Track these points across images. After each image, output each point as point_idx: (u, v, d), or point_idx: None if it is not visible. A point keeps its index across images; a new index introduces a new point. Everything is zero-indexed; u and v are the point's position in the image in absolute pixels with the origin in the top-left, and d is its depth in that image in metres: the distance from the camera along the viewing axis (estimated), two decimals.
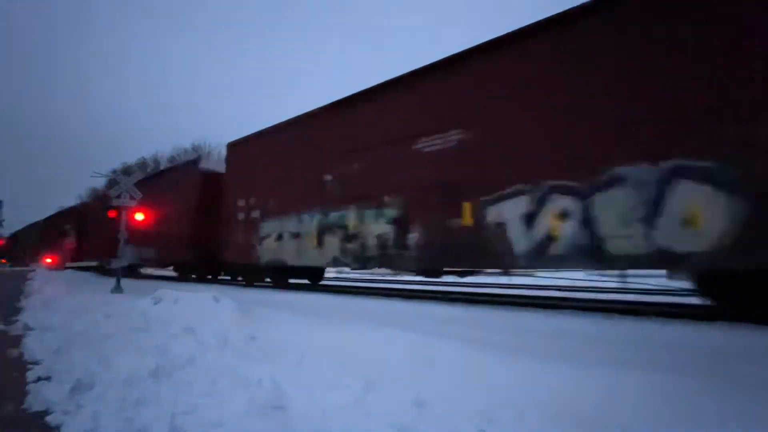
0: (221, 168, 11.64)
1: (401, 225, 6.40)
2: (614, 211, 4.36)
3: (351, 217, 7.20)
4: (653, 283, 7.87)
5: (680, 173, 4.01)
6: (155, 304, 4.64)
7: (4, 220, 37.02)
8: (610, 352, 2.83)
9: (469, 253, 5.64)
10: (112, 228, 15.26)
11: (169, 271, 20.56)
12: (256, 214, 9.38)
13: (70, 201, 37.24)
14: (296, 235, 8.27)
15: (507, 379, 2.23)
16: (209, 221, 10.94)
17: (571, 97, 4.86)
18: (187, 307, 4.35)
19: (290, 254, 8.43)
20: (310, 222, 8.00)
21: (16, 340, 4.03)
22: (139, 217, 9.90)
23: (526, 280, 8.81)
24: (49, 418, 2.12)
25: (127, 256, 9.18)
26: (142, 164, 46.97)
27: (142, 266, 17.58)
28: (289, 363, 2.59)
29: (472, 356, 2.60)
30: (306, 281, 10.23)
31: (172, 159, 43.89)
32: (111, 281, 8.89)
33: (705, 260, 3.95)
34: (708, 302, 4.90)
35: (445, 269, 6.45)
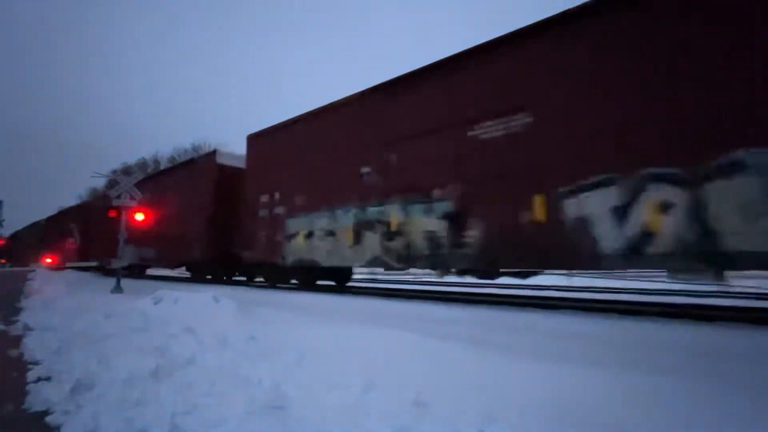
0: (238, 162, 11.00)
1: (456, 221, 5.68)
2: (734, 202, 3.71)
3: (394, 213, 6.54)
4: (653, 284, 7.88)
5: None
6: (155, 304, 4.64)
7: (4, 220, 37.01)
8: (610, 353, 2.84)
9: (541, 252, 4.98)
10: (118, 227, 15.14)
11: (175, 272, 20.32)
12: (281, 210, 8.78)
13: (70, 201, 37.24)
14: (329, 233, 7.60)
15: (507, 380, 2.23)
16: (226, 218, 10.50)
17: (676, 66, 4.11)
18: (187, 308, 4.35)
19: (322, 254, 7.74)
20: (346, 218, 7.32)
21: (16, 341, 4.03)
22: (139, 217, 9.82)
23: (526, 281, 8.80)
24: (49, 419, 2.12)
25: (127, 256, 9.19)
26: (143, 164, 47.01)
27: (147, 266, 17.21)
28: (289, 363, 2.59)
29: (472, 356, 2.61)
30: (332, 283, 9.61)
31: (172, 159, 43.92)
32: (112, 281, 8.89)
33: None
34: None
35: (503, 270, 5.76)
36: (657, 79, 4.26)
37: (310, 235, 8.04)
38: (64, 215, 25.20)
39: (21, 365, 3.17)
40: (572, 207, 4.71)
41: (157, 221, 12.97)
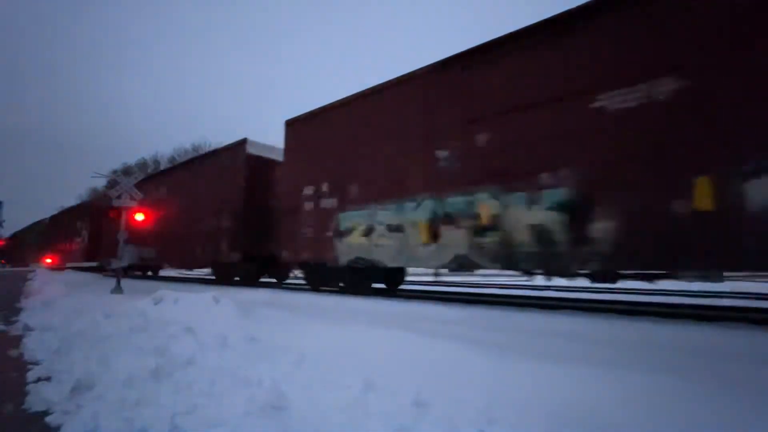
0: (270, 153, 10.31)
1: (575, 212, 4.70)
2: None
3: (485, 204, 5.44)
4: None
5: None
6: (155, 304, 4.64)
7: (4, 221, 37.02)
8: (610, 353, 2.84)
9: (707, 249, 3.99)
10: (128, 225, 14.78)
11: (186, 273, 19.53)
12: (330, 203, 7.69)
13: (70, 201, 37.24)
14: (394, 229, 6.53)
15: (507, 380, 2.23)
16: (257, 214, 9.69)
17: None
18: (187, 308, 4.35)
19: (385, 253, 6.64)
20: (417, 211, 6.25)
21: (17, 341, 4.04)
22: (139, 217, 9.74)
23: (526, 281, 8.79)
24: (49, 419, 2.12)
25: (127, 256, 9.15)
26: (143, 164, 47.07)
27: (158, 267, 16.71)
28: (288, 363, 2.60)
29: (472, 356, 2.61)
30: (382, 286, 8.37)
31: (172, 159, 43.98)
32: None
33: None
34: None
35: (626, 271, 4.94)
36: None
37: (369, 231, 6.94)
38: (69, 213, 24.25)
39: (21, 365, 3.17)
40: (760, 192, 3.65)
41: (173, 219, 12.44)
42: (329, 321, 4.08)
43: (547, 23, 5.22)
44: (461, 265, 5.73)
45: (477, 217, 5.52)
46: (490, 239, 5.38)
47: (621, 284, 9.23)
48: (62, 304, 6.24)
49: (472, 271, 5.91)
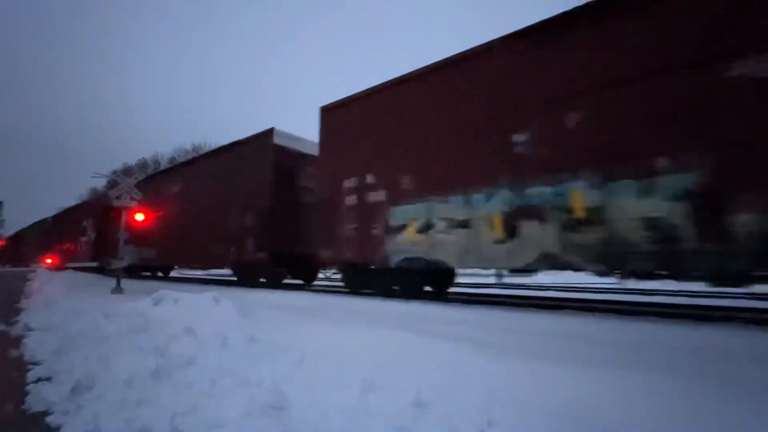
0: (297, 144, 9.67)
1: (707, 202, 3.95)
2: None
3: (580, 194, 4.67)
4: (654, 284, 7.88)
5: None
6: (155, 304, 4.64)
7: (4, 221, 37.01)
8: (610, 353, 2.84)
9: None
10: (140, 223, 14.40)
11: (201, 274, 18.82)
12: (378, 196, 6.88)
13: (71, 201, 37.22)
14: (459, 224, 5.70)
15: (507, 380, 2.23)
16: (286, 210, 9.06)
17: None
18: (187, 308, 4.35)
19: (448, 251, 5.81)
20: (488, 203, 5.44)
21: (17, 341, 4.04)
22: (139, 217, 9.74)
23: (526, 281, 8.79)
24: (49, 419, 2.12)
25: (128, 256, 9.14)
26: (143, 164, 47.09)
27: (170, 268, 16.03)
28: (288, 363, 2.60)
29: (472, 357, 2.61)
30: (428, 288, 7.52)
31: (172, 159, 43.99)
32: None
33: None
34: None
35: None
36: None
37: (426, 227, 6.13)
38: (74, 212, 23.25)
39: (21, 365, 3.17)
40: None
41: (188, 216, 11.79)
42: (329, 321, 4.08)
43: None
44: (551, 265, 4.95)
45: (569, 209, 4.73)
46: (587, 236, 4.59)
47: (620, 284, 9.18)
48: (62, 304, 6.24)
49: (561, 271, 5.10)
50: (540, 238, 4.96)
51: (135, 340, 3.34)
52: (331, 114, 8.04)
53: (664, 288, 8.32)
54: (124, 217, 8.84)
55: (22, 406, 2.32)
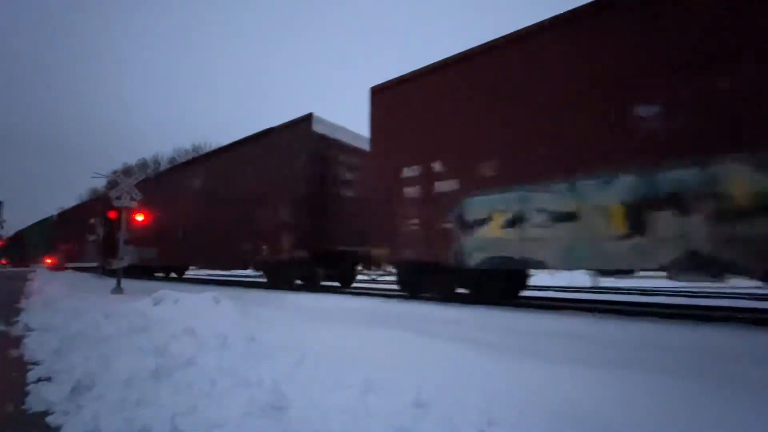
0: (337, 133, 8.92)
1: None
2: None
3: (739, 177, 3.75)
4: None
5: None
6: (155, 304, 4.64)
7: (5, 221, 36.97)
8: (610, 353, 2.84)
9: None
10: (158, 220, 13.00)
11: (220, 275, 18.03)
12: (448, 186, 5.97)
13: (70, 201, 37.19)
14: (564, 216, 4.79)
15: (507, 380, 2.23)
16: (327, 204, 8.42)
17: None
18: (187, 308, 4.35)
19: (550, 248, 4.89)
20: (605, 191, 4.55)
21: (17, 341, 4.04)
22: (140, 217, 9.71)
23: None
24: (49, 419, 2.12)
25: (128, 257, 9.12)
26: (143, 165, 47.10)
27: (185, 268, 15.37)
28: (288, 363, 2.60)
29: (472, 357, 2.61)
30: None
31: (172, 159, 43.99)
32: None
33: None
34: None
35: None
36: None
37: (515, 221, 5.20)
38: (82, 209, 21.88)
39: (21, 365, 3.17)
40: None
41: (208, 212, 10.98)
42: (329, 321, 4.08)
43: None
44: (697, 266, 3.98)
45: (726, 197, 3.81)
46: (754, 228, 3.67)
47: (620, 284, 9.20)
48: (62, 304, 6.25)
49: (716, 278, 4.06)
50: (681, 232, 4.01)
51: (135, 340, 3.34)
52: (385, 95, 7.05)
53: (664, 288, 8.32)
54: (124, 217, 8.85)
55: (22, 406, 2.32)
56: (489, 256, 5.44)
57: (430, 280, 6.61)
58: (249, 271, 12.42)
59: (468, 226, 5.69)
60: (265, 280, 10.18)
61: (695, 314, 5.02)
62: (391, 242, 6.72)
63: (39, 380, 2.73)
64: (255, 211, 9.36)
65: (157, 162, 47.61)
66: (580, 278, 11.01)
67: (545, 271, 5.59)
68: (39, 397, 2.38)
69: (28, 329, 4.55)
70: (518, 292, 6.65)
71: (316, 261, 8.25)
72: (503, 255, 5.30)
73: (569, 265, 4.93)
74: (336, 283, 9.57)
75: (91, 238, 18.89)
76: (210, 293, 4.60)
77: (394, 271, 7.47)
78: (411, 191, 6.49)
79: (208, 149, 35.63)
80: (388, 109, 7.02)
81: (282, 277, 9.20)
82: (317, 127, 8.55)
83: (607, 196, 4.54)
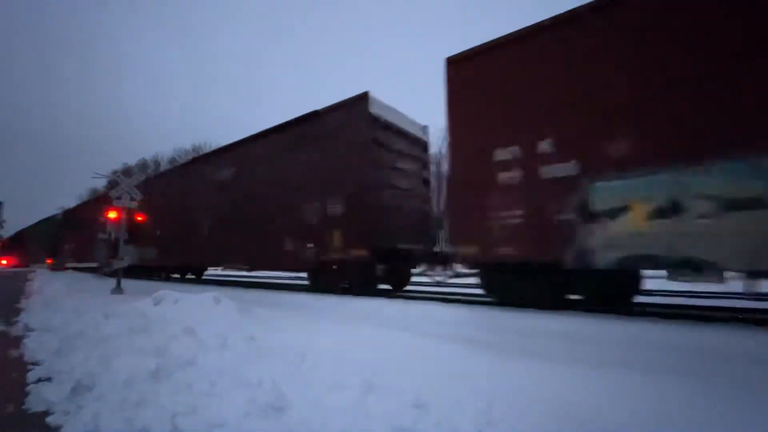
0: (392, 117, 7.95)
1: None
2: None
3: None
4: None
5: None
6: (155, 305, 4.64)
7: (5, 221, 36.91)
8: (611, 353, 2.84)
9: None
10: (176, 217, 12.37)
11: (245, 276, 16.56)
12: (563, 169, 4.96)
13: (71, 201, 37.15)
14: (743, 204, 3.80)
15: (507, 381, 2.23)
16: (386, 197, 7.54)
17: None
18: (187, 308, 4.36)
19: (725, 245, 3.90)
20: None
21: (17, 341, 4.04)
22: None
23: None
24: (49, 419, 2.12)
25: (128, 257, 9.09)
26: (143, 165, 47.10)
27: (203, 268, 14.45)
28: (288, 364, 2.60)
29: (473, 357, 2.61)
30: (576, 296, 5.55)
31: (172, 160, 43.97)
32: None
33: None
34: None
35: None
36: None
37: (670, 209, 4.20)
38: (92, 207, 20.39)
39: (21, 366, 3.17)
40: None
41: (233, 209, 10.14)
42: (329, 321, 4.08)
43: None
44: None
45: None
46: None
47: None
48: (62, 304, 6.25)
49: None
50: None
51: (135, 340, 3.34)
52: (467, 66, 6.00)
53: (664, 288, 8.32)
54: (125, 217, 8.85)
55: (23, 407, 2.32)
56: (625, 255, 4.44)
57: (531, 283, 5.51)
58: (276, 272, 11.41)
59: (594, 219, 4.67)
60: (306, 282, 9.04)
61: (695, 314, 4.99)
62: (480, 239, 5.60)
63: (39, 380, 2.73)
64: (298, 205, 8.36)
65: (157, 162, 47.60)
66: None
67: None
68: (39, 397, 2.38)
69: (28, 329, 4.55)
70: (632, 297, 5.55)
71: (376, 261, 7.30)
72: (647, 253, 4.32)
73: (755, 265, 3.85)
74: (386, 286, 8.53)
75: (103, 236, 17.47)
76: (210, 293, 4.60)
77: (461, 272, 6.69)
78: (507, 177, 5.43)
79: (208, 149, 34.99)
80: (473, 83, 5.94)
81: (332, 277, 8.07)
82: (374, 109, 7.53)
83: None
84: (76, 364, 2.84)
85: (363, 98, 7.54)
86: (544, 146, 5.17)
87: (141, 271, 15.45)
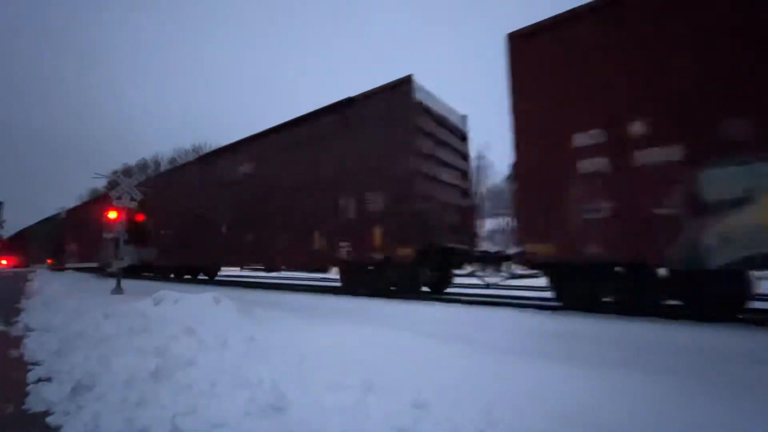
0: (435, 105, 7.38)
1: None
2: None
3: None
4: None
5: None
6: (155, 305, 4.64)
7: (5, 221, 36.87)
8: (611, 354, 2.84)
9: None
10: (189, 216, 11.69)
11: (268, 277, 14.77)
12: (663, 154, 4.27)
13: (71, 201, 37.13)
14: None
15: (507, 380, 2.23)
16: (427, 190, 6.92)
17: None
18: (187, 308, 4.35)
19: None
20: None
21: (17, 341, 4.04)
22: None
23: (525, 281, 8.76)
24: (49, 419, 2.12)
25: (128, 257, 9.08)
26: (143, 165, 47.10)
27: (217, 268, 13.65)
28: (288, 364, 2.60)
29: (473, 357, 2.61)
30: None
31: (172, 160, 43.95)
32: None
33: None
34: None
35: None
36: None
37: None
38: (97, 205, 19.52)
39: (21, 366, 3.17)
40: None
41: (255, 205, 9.47)
42: (329, 321, 4.08)
43: None
44: None
45: None
46: None
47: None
48: (62, 304, 6.25)
49: None
50: None
51: (135, 340, 3.34)
52: (536, 42, 5.35)
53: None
54: (127, 217, 8.85)
55: (23, 407, 2.32)
56: (749, 254, 3.76)
57: (618, 286, 4.86)
58: (292, 272, 10.71)
59: (707, 212, 4.01)
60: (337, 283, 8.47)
61: (695, 315, 4.98)
62: (557, 237, 4.96)
63: (39, 380, 2.73)
64: (329, 200, 7.68)
65: (157, 162, 47.59)
66: None
67: None
68: (39, 398, 2.38)
69: (28, 329, 4.55)
70: (744, 303, 4.57)
71: (423, 261, 6.71)
72: None
73: None
74: (425, 288, 7.84)
75: (110, 234, 17.79)
76: (210, 293, 4.60)
77: (518, 273, 6.08)
78: (590, 165, 4.75)
79: (208, 149, 34.78)
80: (544, 60, 5.27)
81: (369, 280, 7.39)
82: (419, 95, 6.97)
83: None
84: (76, 364, 2.84)
85: (407, 82, 6.95)
86: (638, 128, 4.43)
87: (146, 272, 15.18)
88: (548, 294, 5.81)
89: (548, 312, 5.04)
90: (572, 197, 4.87)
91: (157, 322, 3.90)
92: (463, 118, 8.56)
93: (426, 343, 2.95)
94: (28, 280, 14.26)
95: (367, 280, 7.45)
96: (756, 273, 4.50)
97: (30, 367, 3.09)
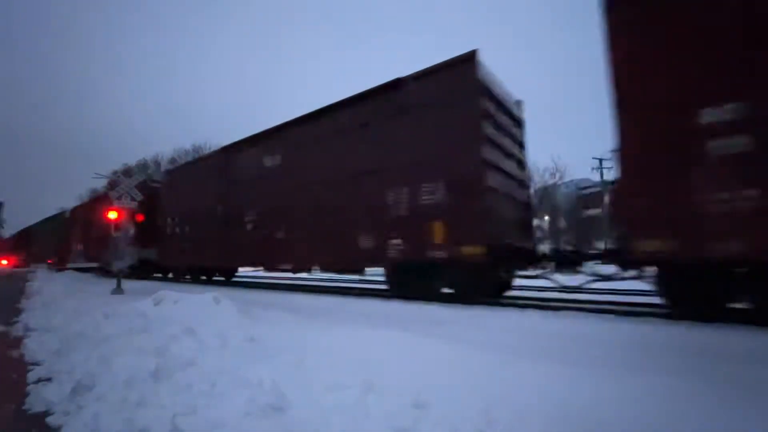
0: (495, 88, 6.55)
1: None
2: None
3: None
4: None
5: None
6: (155, 305, 4.64)
7: (5, 221, 36.87)
8: (611, 354, 2.84)
9: None
10: (208, 213, 10.71)
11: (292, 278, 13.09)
12: None
13: (71, 201, 37.10)
14: None
15: (507, 381, 2.23)
16: (492, 182, 6.09)
17: None
18: (187, 309, 4.35)
19: None
20: None
21: (17, 341, 4.04)
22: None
23: (526, 281, 8.75)
24: (49, 419, 2.13)
25: (128, 257, 9.06)
26: (143, 165, 47.09)
27: (234, 270, 12.71)
28: (288, 364, 2.60)
29: (473, 357, 2.61)
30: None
31: (172, 160, 43.94)
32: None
33: None
34: None
35: None
36: None
37: None
38: (105, 203, 18.05)
39: (22, 366, 3.18)
40: None
41: (290, 199, 8.49)
42: (329, 322, 4.08)
43: None
44: None
45: None
46: None
47: (620, 285, 8.96)
48: (63, 304, 6.25)
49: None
50: None
51: (135, 340, 3.34)
52: (637, 6, 4.42)
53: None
54: (124, 216, 8.85)
55: (23, 407, 2.33)
56: None
57: (755, 290, 4.09)
58: (319, 274, 9.17)
59: None
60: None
61: (696, 315, 4.99)
62: (679, 231, 4.12)
63: (39, 380, 2.73)
64: (376, 192, 6.97)
65: (157, 162, 47.55)
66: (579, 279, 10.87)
67: None
68: (39, 398, 2.38)
69: (29, 330, 4.56)
70: None
71: (493, 261, 5.89)
72: None
73: None
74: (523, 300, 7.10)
75: (118, 233, 16.56)
76: (210, 293, 4.60)
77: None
78: (724, 146, 3.87)
79: (208, 149, 34.41)
80: (658, 20, 4.33)
81: (426, 282, 6.61)
82: (481, 73, 6.14)
83: None
84: (76, 365, 2.84)
85: (470, 59, 6.12)
86: None
87: (157, 272, 14.75)
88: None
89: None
90: (701, 184, 3.99)
91: (157, 322, 3.90)
92: (518, 103, 7.71)
93: (424, 342, 2.94)
94: (28, 281, 14.27)
95: (421, 282, 6.66)
96: None
97: (30, 367, 3.09)
